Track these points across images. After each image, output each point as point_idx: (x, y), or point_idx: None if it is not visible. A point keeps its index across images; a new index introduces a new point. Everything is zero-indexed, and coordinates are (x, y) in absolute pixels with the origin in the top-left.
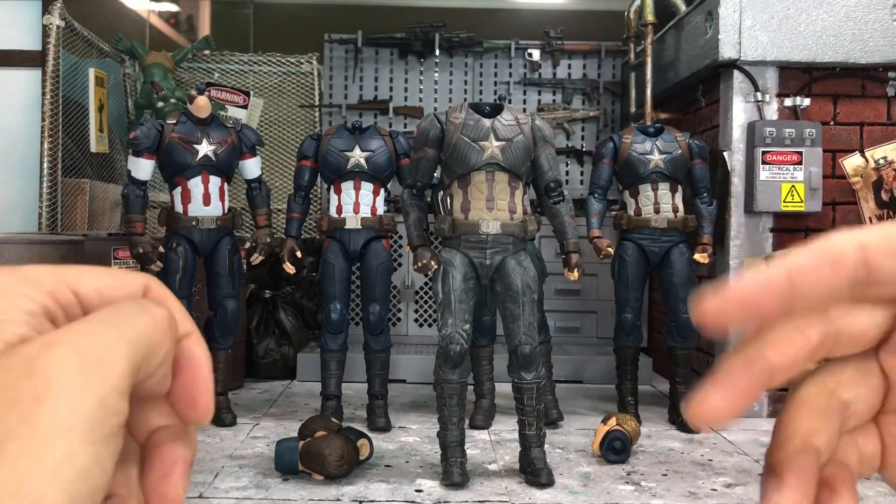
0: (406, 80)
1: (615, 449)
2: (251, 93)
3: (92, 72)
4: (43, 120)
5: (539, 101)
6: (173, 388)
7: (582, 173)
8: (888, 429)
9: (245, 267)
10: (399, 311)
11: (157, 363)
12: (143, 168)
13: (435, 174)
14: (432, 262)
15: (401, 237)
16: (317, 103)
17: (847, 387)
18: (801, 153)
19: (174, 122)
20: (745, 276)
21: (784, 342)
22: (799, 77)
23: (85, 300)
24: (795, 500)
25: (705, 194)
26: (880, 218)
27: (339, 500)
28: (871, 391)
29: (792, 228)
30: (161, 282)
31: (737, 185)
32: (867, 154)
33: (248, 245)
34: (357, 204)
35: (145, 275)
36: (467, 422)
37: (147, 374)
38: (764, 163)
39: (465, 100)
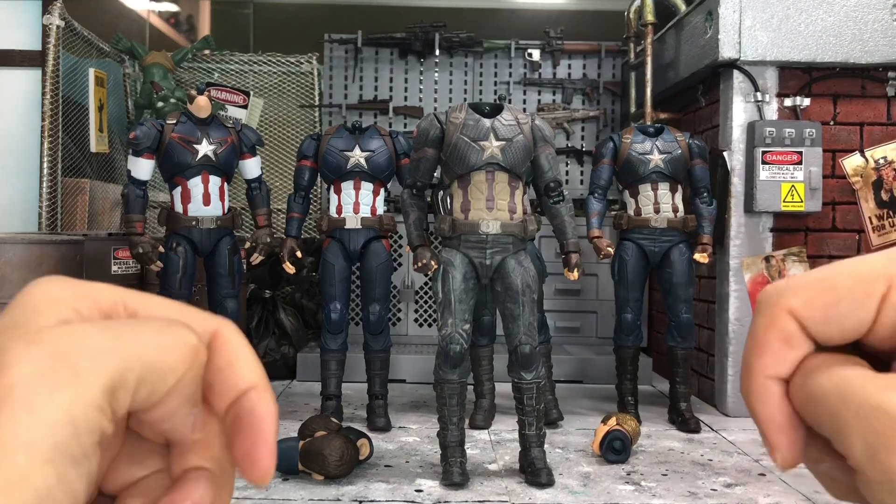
0: (406, 80)
1: (615, 449)
2: (251, 93)
3: (92, 72)
4: (43, 120)
5: (539, 101)
6: (234, 444)
7: (582, 173)
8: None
9: (245, 267)
10: (399, 311)
11: (165, 390)
12: (143, 168)
13: (435, 174)
14: (432, 262)
15: (401, 237)
16: (317, 103)
17: (822, 323)
18: (801, 153)
19: (174, 122)
20: (763, 435)
21: (779, 356)
22: (799, 77)
23: None
24: (787, 448)
25: (705, 194)
26: (880, 218)
27: (339, 500)
28: (850, 333)
29: (792, 228)
30: (240, 331)
31: (737, 184)
32: (867, 154)
33: (248, 245)
34: (357, 204)
35: (221, 320)
36: (467, 422)
37: (149, 400)
38: (764, 163)
39: (465, 100)
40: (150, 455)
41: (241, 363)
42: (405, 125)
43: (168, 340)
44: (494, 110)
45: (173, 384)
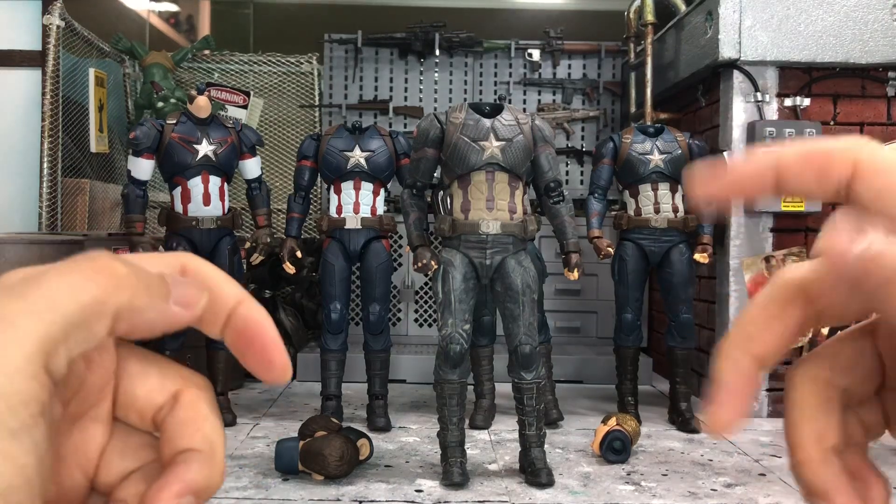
0: (406, 80)
1: (615, 449)
2: (251, 93)
3: (92, 72)
4: (43, 120)
5: (539, 101)
6: (245, 356)
7: (582, 173)
8: (890, 403)
9: (245, 267)
10: (399, 311)
11: (104, 321)
12: (143, 168)
13: (435, 174)
14: (432, 262)
15: (401, 237)
16: (317, 103)
17: (843, 373)
18: None
19: (174, 122)
20: (738, 161)
21: (764, 333)
22: (799, 77)
23: None
24: None
25: None
26: None
27: (339, 500)
28: (867, 372)
29: (792, 228)
30: (198, 257)
31: None
32: None
33: (248, 245)
34: (357, 204)
35: (184, 254)
36: (467, 422)
37: (92, 339)
38: None
39: (465, 100)
40: (140, 448)
41: (221, 284)
42: (405, 125)
43: (76, 279)
44: (494, 110)
45: (115, 311)
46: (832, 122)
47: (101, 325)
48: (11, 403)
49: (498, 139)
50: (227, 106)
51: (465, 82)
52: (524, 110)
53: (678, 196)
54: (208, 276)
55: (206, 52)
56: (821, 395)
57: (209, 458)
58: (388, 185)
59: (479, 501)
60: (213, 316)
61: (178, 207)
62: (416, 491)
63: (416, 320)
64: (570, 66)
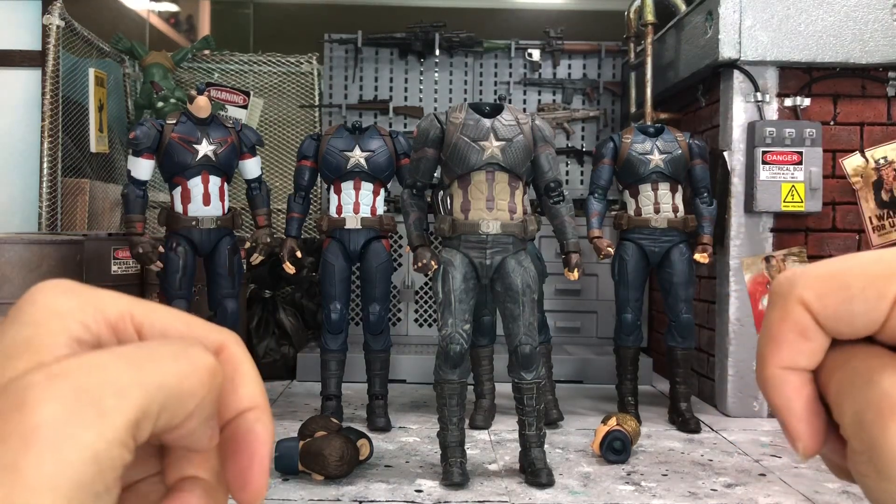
0: (406, 80)
1: (615, 449)
2: (251, 93)
3: (92, 72)
4: (43, 120)
5: (539, 101)
6: (227, 464)
7: (582, 173)
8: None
9: (245, 267)
10: (399, 311)
11: (186, 414)
12: (142, 168)
13: (435, 174)
14: (432, 262)
15: (401, 237)
16: (317, 103)
17: (835, 320)
18: (801, 153)
19: (174, 122)
20: (781, 421)
21: (785, 346)
22: (799, 77)
23: (146, 338)
24: (808, 436)
25: (705, 194)
26: (880, 218)
27: (339, 500)
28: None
29: (792, 228)
30: (244, 345)
31: (737, 185)
32: (867, 154)
33: (248, 245)
34: (357, 204)
35: (228, 332)
36: (467, 422)
37: (170, 425)
38: (764, 163)
39: (465, 100)
40: (148, 459)
41: (244, 381)
42: (405, 125)
43: (187, 366)
44: (494, 110)
45: (193, 408)
46: (832, 122)
47: (182, 415)
48: (103, 467)
49: (498, 139)
50: (227, 106)
51: (465, 82)
52: (524, 110)
53: (678, 196)
54: (238, 367)
55: (206, 52)
56: (800, 323)
57: (214, 490)
58: (388, 185)
59: (479, 501)
60: (223, 406)
61: (178, 207)
62: (416, 491)
63: (416, 320)
64: (570, 66)
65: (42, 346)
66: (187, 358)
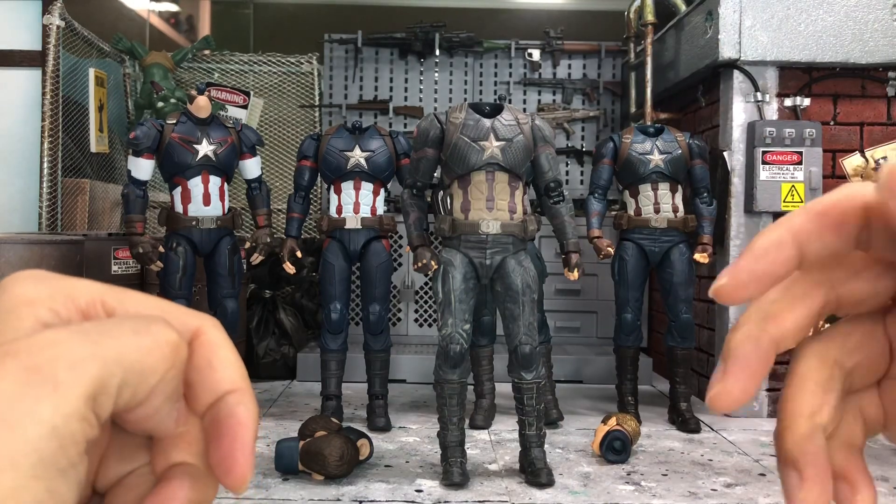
0: (406, 80)
1: (615, 449)
2: (251, 93)
3: (92, 72)
4: (43, 120)
5: (539, 101)
6: (210, 449)
7: (582, 173)
8: (890, 395)
9: (245, 267)
10: (399, 311)
11: (148, 390)
12: (143, 168)
13: (435, 174)
14: (432, 262)
15: (401, 237)
16: (317, 103)
17: (851, 354)
18: (801, 153)
19: (174, 122)
20: (752, 248)
21: (784, 313)
22: (799, 77)
23: None
24: (818, 495)
25: (705, 194)
26: None
27: (339, 500)
28: (875, 357)
29: None
30: (223, 330)
31: (737, 185)
32: (867, 154)
33: (248, 245)
34: (357, 204)
35: (206, 317)
36: (467, 422)
37: (132, 402)
38: (764, 163)
39: (465, 100)
40: (137, 450)
41: (222, 364)
42: (405, 125)
43: (147, 340)
44: (494, 110)
45: (155, 384)
46: (832, 122)
47: (144, 391)
48: (64, 443)
49: (498, 139)
50: (227, 106)
51: (465, 82)
52: (524, 110)
53: (678, 196)
54: (216, 351)
55: (206, 52)
56: (824, 372)
57: (203, 474)
58: (388, 185)
59: (479, 501)
60: (201, 391)
61: (178, 207)
62: (416, 491)
63: (416, 320)
64: (570, 66)
65: (7, 332)
66: (148, 333)
